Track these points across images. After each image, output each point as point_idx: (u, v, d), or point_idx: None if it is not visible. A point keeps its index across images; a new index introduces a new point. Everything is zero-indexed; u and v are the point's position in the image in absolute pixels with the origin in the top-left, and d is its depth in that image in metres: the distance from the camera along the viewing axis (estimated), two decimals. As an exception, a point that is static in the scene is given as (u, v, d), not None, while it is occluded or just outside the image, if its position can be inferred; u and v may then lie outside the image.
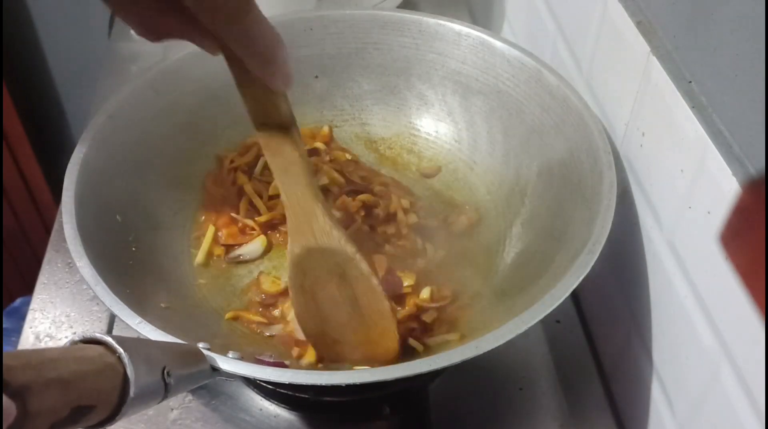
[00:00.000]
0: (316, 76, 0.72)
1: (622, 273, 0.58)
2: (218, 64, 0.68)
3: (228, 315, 0.58)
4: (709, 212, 0.43)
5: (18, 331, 0.66)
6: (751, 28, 0.39)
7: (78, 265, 0.49)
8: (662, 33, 0.49)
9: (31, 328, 0.64)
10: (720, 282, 0.42)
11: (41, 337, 0.63)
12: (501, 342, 0.44)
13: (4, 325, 1.04)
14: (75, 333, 0.64)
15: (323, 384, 0.43)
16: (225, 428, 0.57)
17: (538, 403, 0.59)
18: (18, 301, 1.09)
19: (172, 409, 0.57)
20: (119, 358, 0.35)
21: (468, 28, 0.67)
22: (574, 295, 0.66)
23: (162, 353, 0.38)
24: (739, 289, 0.40)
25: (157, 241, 0.60)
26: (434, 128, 0.71)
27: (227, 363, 0.43)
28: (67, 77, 1.34)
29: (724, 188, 0.41)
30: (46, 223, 1.31)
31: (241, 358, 0.46)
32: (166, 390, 0.38)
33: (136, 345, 0.36)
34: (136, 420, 0.56)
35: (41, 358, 0.31)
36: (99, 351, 0.35)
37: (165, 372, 0.37)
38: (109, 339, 0.36)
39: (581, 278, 0.47)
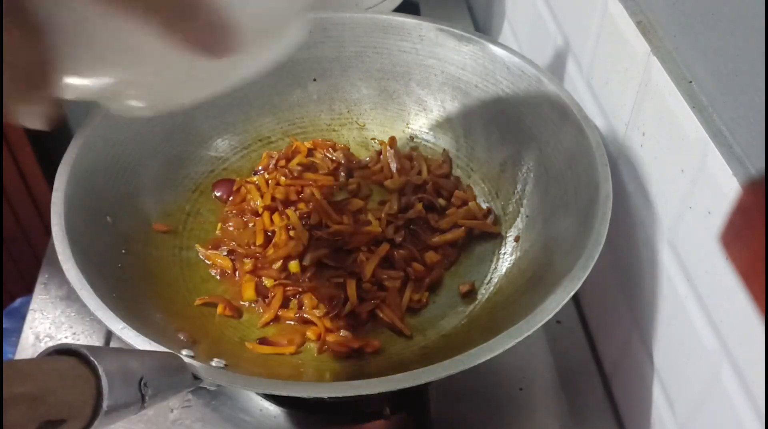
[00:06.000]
0: (315, 79, 0.72)
1: (622, 273, 0.58)
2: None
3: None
4: (709, 212, 0.43)
5: (18, 331, 0.66)
6: (751, 28, 0.39)
7: (64, 267, 0.49)
8: (662, 33, 0.49)
9: (31, 328, 0.64)
10: (720, 282, 0.42)
11: (41, 337, 0.63)
12: (482, 359, 0.44)
13: (4, 326, 1.04)
14: (75, 333, 0.64)
15: (305, 397, 0.43)
16: (225, 428, 0.57)
17: (538, 403, 0.59)
18: (18, 301, 1.09)
19: (172, 410, 0.57)
20: (93, 369, 0.35)
21: (468, 34, 0.67)
22: (575, 296, 0.66)
23: (140, 363, 0.38)
24: (739, 289, 0.40)
25: (147, 244, 0.60)
26: (433, 135, 0.71)
27: (209, 372, 0.43)
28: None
29: (724, 188, 0.41)
30: (46, 223, 1.31)
31: (225, 366, 0.46)
32: (142, 401, 0.37)
33: (112, 356, 0.36)
34: (136, 420, 0.56)
35: (9, 372, 0.31)
36: (72, 363, 0.34)
37: (142, 383, 0.37)
38: (83, 350, 0.35)
39: (572, 294, 0.47)
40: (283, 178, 0.67)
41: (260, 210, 0.65)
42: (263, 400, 0.58)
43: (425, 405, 0.57)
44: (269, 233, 0.64)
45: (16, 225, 1.27)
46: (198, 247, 0.63)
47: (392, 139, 0.71)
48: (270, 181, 0.67)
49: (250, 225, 0.65)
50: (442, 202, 0.66)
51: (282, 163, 0.69)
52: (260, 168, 0.69)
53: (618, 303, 0.59)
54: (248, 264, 0.61)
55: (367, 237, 0.62)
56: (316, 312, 0.59)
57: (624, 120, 0.55)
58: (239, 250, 0.63)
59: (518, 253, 0.61)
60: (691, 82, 0.46)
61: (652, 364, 0.53)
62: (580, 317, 0.66)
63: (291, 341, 0.57)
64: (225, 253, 0.63)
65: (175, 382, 0.41)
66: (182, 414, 0.57)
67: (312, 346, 0.57)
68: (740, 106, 0.41)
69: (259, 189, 0.67)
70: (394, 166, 0.68)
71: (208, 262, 0.62)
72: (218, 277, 0.62)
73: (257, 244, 0.63)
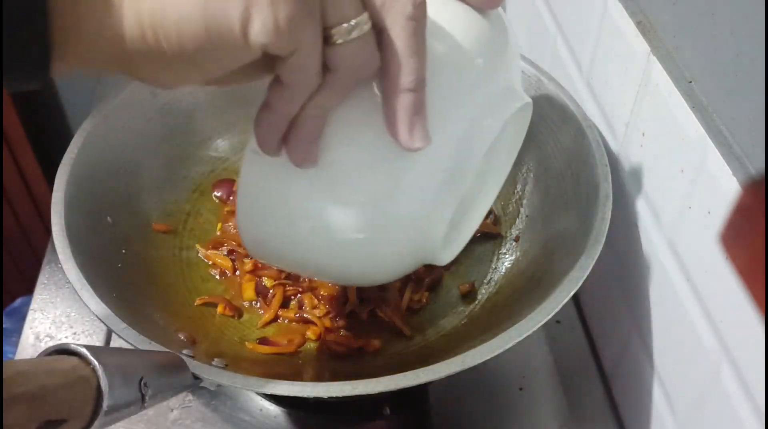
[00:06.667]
0: None
1: (622, 273, 0.58)
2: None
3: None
4: (709, 212, 0.43)
5: (18, 331, 0.66)
6: (751, 28, 0.39)
7: (64, 267, 0.49)
8: (662, 33, 0.49)
9: (31, 328, 0.64)
10: (720, 282, 0.42)
11: (41, 337, 0.63)
12: (482, 359, 0.44)
13: (4, 326, 1.04)
14: (75, 333, 0.64)
15: (305, 396, 0.43)
16: (225, 428, 0.57)
17: (538, 403, 0.59)
18: (18, 301, 1.09)
19: (172, 410, 0.58)
20: (93, 369, 0.35)
21: None
22: (575, 296, 0.66)
23: (140, 363, 0.38)
24: (739, 289, 0.40)
25: (147, 244, 0.60)
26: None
27: (209, 372, 0.43)
28: (67, 77, 1.34)
29: (724, 188, 0.41)
30: (46, 223, 1.31)
31: (225, 366, 0.46)
32: (143, 401, 0.37)
33: (112, 355, 0.36)
34: (136, 420, 0.56)
35: (9, 372, 0.31)
36: (72, 363, 0.35)
37: (142, 383, 0.37)
38: (83, 350, 0.35)
39: (572, 294, 0.47)
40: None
41: None
42: (263, 400, 0.58)
43: (425, 405, 0.57)
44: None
45: (16, 225, 1.27)
46: (198, 247, 0.63)
47: None
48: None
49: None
50: None
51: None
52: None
53: (618, 303, 0.59)
54: (248, 264, 0.61)
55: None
56: (316, 312, 0.59)
57: (624, 120, 0.55)
58: (239, 250, 0.63)
59: (518, 253, 0.61)
60: (691, 82, 0.46)
61: (652, 364, 0.53)
62: (580, 317, 0.66)
63: (291, 341, 0.57)
64: (225, 253, 0.63)
65: (175, 382, 0.41)
66: (182, 414, 0.57)
67: (312, 346, 0.57)
68: (740, 106, 0.41)
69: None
70: None
71: (208, 262, 0.62)
72: (218, 277, 0.62)
73: None
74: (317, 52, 0.34)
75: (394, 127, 0.37)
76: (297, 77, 0.35)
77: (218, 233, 0.65)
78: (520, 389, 0.59)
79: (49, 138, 1.33)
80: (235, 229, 0.65)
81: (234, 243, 0.63)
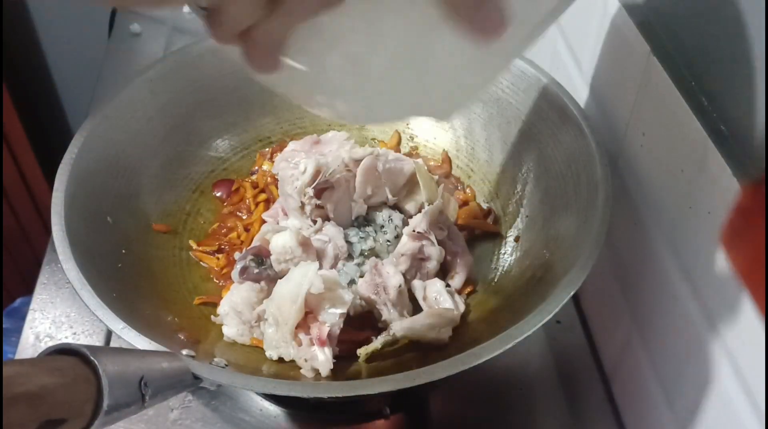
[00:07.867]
0: None
1: (622, 273, 0.58)
2: (215, 66, 0.68)
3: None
4: (709, 212, 0.43)
5: (18, 331, 0.66)
6: (751, 28, 0.39)
7: (64, 267, 0.49)
8: (662, 33, 0.49)
9: (31, 328, 0.64)
10: (720, 282, 0.42)
11: (41, 337, 0.63)
12: (482, 360, 0.44)
13: (4, 326, 1.04)
14: (75, 333, 0.64)
15: (305, 396, 0.43)
16: (225, 428, 0.57)
17: (538, 403, 0.59)
18: (18, 301, 1.09)
19: (172, 410, 0.58)
20: (93, 369, 0.35)
21: None
22: (575, 296, 0.66)
23: (140, 363, 0.38)
24: (739, 289, 0.40)
25: (147, 244, 0.60)
26: (432, 135, 0.71)
27: (210, 372, 0.43)
28: (67, 77, 1.34)
29: (724, 188, 0.41)
30: (46, 223, 1.31)
31: (226, 366, 0.46)
32: (143, 401, 0.37)
33: (112, 355, 0.36)
34: (136, 420, 0.56)
35: (10, 371, 0.31)
36: (72, 362, 0.35)
37: (142, 383, 0.37)
38: (83, 350, 0.35)
39: (571, 294, 0.47)
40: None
41: (253, 206, 0.66)
42: (263, 400, 0.58)
43: (425, 405, 0.57)
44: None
45: (16, 225, 1.27)
46: (191, 243, 0.63)
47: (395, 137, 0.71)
48: (264, 178, 0.68)
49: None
50: None
51: (276, 156, 0.69)
52: (256, 168, 0.69)
53: (618, 303, 0.59)
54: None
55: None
56: (316, 312, 0.59)
57: (624, 120, 0.55)
58: (230, 248, 0.63)
59: (518, 253, 0.61)
60: (691, 82, 0.46)
61: (652, 364, 0.53)
62: (580, 317, 0.66)
63: (291, 341, 0.57)
64: (218, 251, 0.63)
65: (175, 381, 0.41)
66: (182, 414, 0.57)
67: (312, 346, 0.57)
68: (740, 106, 0.41)
69: (255, 186, 0.67)
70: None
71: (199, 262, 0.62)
72: (215, 279, 0.62)
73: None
74: None
75: None
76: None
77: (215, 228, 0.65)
78: (520, 389, 0.59)
79: (49, 138, 1.34)
80: (230, 229, 0.65)
81: (224, 239, 0.63)
